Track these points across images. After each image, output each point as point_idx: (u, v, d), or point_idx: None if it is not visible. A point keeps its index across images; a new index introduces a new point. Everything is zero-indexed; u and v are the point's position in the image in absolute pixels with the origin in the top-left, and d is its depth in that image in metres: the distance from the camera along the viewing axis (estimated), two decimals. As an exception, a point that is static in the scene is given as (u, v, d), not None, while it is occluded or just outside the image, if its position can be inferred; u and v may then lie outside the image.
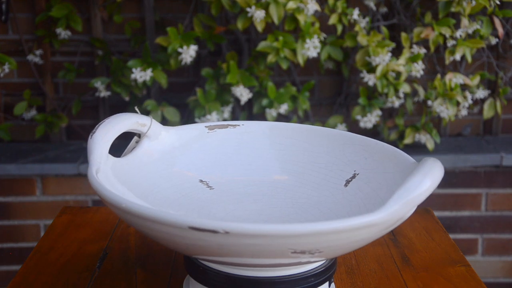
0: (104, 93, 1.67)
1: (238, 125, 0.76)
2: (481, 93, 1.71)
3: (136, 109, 0.72)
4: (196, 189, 0.72)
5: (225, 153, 0.77)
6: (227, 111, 1.60)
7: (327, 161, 0.74)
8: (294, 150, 0.76)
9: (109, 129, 0.64)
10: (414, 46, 1.61)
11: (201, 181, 0.73)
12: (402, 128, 1.70)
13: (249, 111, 1.75)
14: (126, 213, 0.53)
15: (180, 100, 1.77)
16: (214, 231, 0.49)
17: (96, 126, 0.65)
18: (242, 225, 0.49)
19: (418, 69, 1.59)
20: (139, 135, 0.71)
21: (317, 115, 1.84)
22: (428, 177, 0.57)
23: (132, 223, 0.55)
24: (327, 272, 0.63)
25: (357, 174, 0.71)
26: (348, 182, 0.71)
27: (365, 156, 0.72)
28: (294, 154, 0.76)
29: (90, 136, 0.64)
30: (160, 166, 0.73)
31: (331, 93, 1.85)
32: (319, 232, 0.49)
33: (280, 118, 1.71)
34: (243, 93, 1.55)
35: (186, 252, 0.55)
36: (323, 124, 1.76)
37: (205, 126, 0.75)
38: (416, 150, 1.72)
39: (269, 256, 0.52)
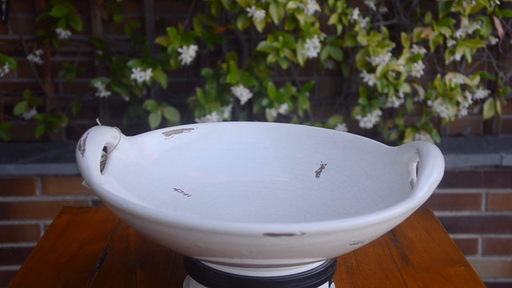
0: (104, 93, 1.67)
1: (193, 128, 0.76)
2: (481, 93, 1.71)
3: (98, 121, 0.70)
4: (175, 196, 0.72)
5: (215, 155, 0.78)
6: (227, 111, 1.60)
7: (290, 155, 0.77)
8: (258, 148, 0.78)
9: (96, 145, 0.64)
10: (414, 46, 1.61)
11: (175, 189, 0.72)
12: (402, 128, 1.70)
13: (249, 111, 1.75)
14: (182, 229, 0.51)
15: (180, 100, 1.77)
16: (290, 234, 0.49)
17: (81, 142, 0.63)
18: (318, 225, 0.50)
19: (418, 69, 1.59)
20: (105, 149, 0.69)
21: (317, 115, 1.84)
22: (437, 163, 0.62)
23: (173, 236, 0.52)
24: (327, 272, 0.63)
25: (325, 165, 0.74)
26: (318, 173, 0.74)
27: (328, 147, 0.75)
28: (258, 152, 0.78)
29: (81, 154, 0.61)
30: (159, 169, 0.73)
31: (331, 93, 1.85)
32: (376, 222, 0.52)
33: (280, 118, 1.71)
34: (243, 93, 1.55)
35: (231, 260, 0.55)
36: (323, 124, 1.76)
37: (162, 133, 0.74)
38: (416, 150, 1.71)
39: (329, 251, 0.54)
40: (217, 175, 0.76)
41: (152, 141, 0.73)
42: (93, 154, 0.62)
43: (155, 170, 0.72)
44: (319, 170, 0.74)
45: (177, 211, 0.69)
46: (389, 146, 0.72)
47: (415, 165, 0.69)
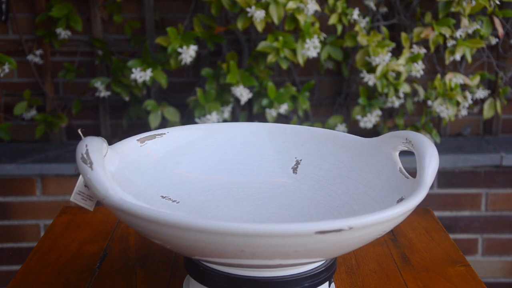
0: (104, 93, 1.67)
1: (164, 133, 0.74)
2: (481, 93, 1.71)
3: (80, 132, 0.67)
4: (175, 198, 0.72)
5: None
6: (227, 111, 1.60)
7: (265, 154, 0.78)
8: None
9: (100, 156, 0.62)
10: (414, 46, 1.61)
11: (162, 197, 0.72)
12: (402, 128, 1.70)
13: (249, 111, 1.75)
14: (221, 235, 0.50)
15: (180, 100, 1.77)
16: (339, 230, 0.51)
17: (84, 155, 0.59)
18: (363, 218, 0.52)
19: (418, 69, 1.59)
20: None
21: (317, 115, 1.84)
22: (433, 152, 0.66)
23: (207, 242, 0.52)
24: (327, 272, 0.63)
25: (301, 161, 0.76)
26: (295, 169, 0.76)
27: (300, 143, 0.77)
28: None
29: (89, 168, 0.58)
30: (162, 169, 0.73)
31: (331, 93, 1.85)
32: (408, 210, 0.55)
33: (280, 118, 1.71)
34: (243, 93, 1.55)
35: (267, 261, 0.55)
36: (323, 124, 1.76)
37: (137, 140, 0.72)
38: (416, 150, 1.71)
39: (361, 243, 0.56)
40: (217, 175, 0.76)
41: (132, 147, 0.72)
42: (101, 167, 0.59)
43: (155, 171, 0.72)
44: (295, 167, 0.76)
45: (177, 213, 0.69)
46: (366, 138, 0.75)
47: (397, 153, 0.72)
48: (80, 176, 0.66)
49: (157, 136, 0.73)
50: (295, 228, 0.50)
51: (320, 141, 0.77)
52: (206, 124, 0.78)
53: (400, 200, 0.67)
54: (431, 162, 0.65)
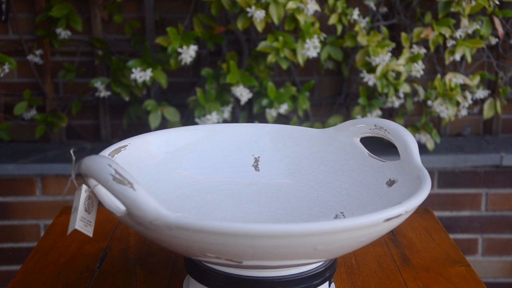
0: (104, 93, 1.67)
1: (127, 145, 0.70)
2: (481, 93, 1.71)
3: (72, 152, 0.62)
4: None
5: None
6: (227, 111, 1.60)
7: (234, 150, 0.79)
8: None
9: (129, 174, 0.57)
10: (414, 46, 1.61)
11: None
12: (402, 128, 1.70)
13: (249, 111, 1.75)
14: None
15: (180, 100, 1.77)
16: (398, 215, 0.55)
17: (117, 174, 0.53)
18: (414, 200, 0.56)
19: (418, 69, 1.59)
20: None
21: (317, 115, 1.84)
22: (412, 137, 0.71)
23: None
24: (327, 272, 0.63)
25: (259, 158, 0.77)
26: (255, 166, 0.77)
27: (254, 140, 0.79)
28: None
29: (131, 189, 0.52)
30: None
31: (331, 93, 1.85)
32: (425, 195, 0.58)
33: (280, 118, 1.71)
34: (243, 93, 1.55)
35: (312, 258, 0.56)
36: (323, 124, 1.76)
37: (108, 155, 0.68)
38: (416, 150, 1.71)
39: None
40: (219, 176, 0.76)
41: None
42: (140, 185, 0.54)
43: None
44: (256, 164, 0.77)
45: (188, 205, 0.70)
46: (321, 129, 0.77)
47: (359, 140, 0.75)
48: (81, 201, 0.59)
49: (121, 149, 0.69)
50: (366, 219, 0.52)
51: (273, 137, 0.78)
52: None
53: (391, 182, 0.68)
54: (414, 143, 0.69)
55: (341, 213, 0.70)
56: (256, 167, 0.77)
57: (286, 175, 0.76)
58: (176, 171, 0.74)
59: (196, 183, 0.74)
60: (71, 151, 0.61)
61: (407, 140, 0.70)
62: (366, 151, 0.74)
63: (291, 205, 0.73)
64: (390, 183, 0.69)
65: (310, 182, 0.75)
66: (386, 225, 0.54)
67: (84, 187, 0.60)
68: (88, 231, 0.58)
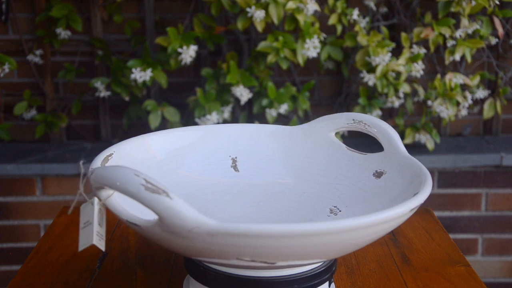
0: (104, 93, 1.67)
1: (112, 153, 0.68)
2: (481, 93, 1.71)
3: (81, 164, 0.61)
4: None
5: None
6: (227, 111, 1.60)
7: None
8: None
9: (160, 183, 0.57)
10: (414, 46, 1.61)
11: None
12: (402, 128, 1.70)
13: (249, 111, 1.75)
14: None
15: (180, 100, 1.77)
16: (413, 209, 0.57)
17: (149, 184, 0.50)
18: (426, 191, 0.59)
19: (418, 69, 1.59)
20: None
21: (317, 115, 1.84)
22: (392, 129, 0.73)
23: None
24: (327, 272, 0.63)
25: (236, 158, 0.78)
26: (234, 164, 0.78)
27: (233, 140, 0.79)
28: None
29: (168, 198, 0.50)
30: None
31: (331, 93, 1.85)
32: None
33: (280, 118, 1.71)
34: (243, 93, 1.55)
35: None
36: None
37: (100, 164, 0.66)
38: (416, 150, 1.72)
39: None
40: (220, 176, 0.76)
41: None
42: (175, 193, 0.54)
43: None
44: (234, 164, 0.77)
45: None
46: (294, 126, 0.79)
47: (334, 133, 0.76)
48: (95, 214, 0.57)
49: (108, 158, 0.67)
50: (394, 211, 0.54)
51: (252, 136, 0.79)
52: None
53: (378, 173, 0.70)
54: (397, 135, 0.71)
55: (335, 207, 0.71)
56: (235, 167, 0.77)
57: (265, 174, 0.76)
58: (177, 171, 0.74)
59: (197, 183, 0.74)
60: (80, 163, 0.60)
61: (389, 133, 0.71)
62: (344, 145, 0.75)
63: (281, 204, 0.73)
64: (378, 174, 0.70)
65: (297, 180, 0.75)
66: (410, 214, 0.57)
67: (96, 200, 0.57)
68: (102, 246, 0.56)
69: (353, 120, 0.74)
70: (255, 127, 0.79)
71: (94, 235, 0.55)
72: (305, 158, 0.76)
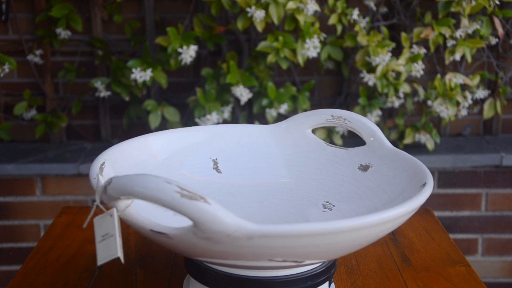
0: (104, 93, 1.67)
1: (104, 161, 0.66)
2: (481, 93, 1.71)
3: (96, 176, 0.57)
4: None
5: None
6: (227, 111, 1.60)
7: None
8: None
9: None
10: (414, 46, 1.61)
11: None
12: (402, 128, 1.70)
13: (249, 111, 1.75)
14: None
15: (180, 100, 1.77)
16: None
17: (186, 192, 0.49)
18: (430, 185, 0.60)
19: (418, 69, 1.59)
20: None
21: (317, 115, 1.84)
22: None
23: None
24: (327, 272, 0.63)
25: (217, 160, 0.77)
26: (215, 165, 0.77)
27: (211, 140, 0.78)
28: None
29: (206, 203, 0.49)
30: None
31: (331, 93, 1.85)
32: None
33: (280, 118, 1.71)
34: (243, 93, 1.55)
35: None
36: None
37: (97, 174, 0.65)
38: (416, 150, 1.72)
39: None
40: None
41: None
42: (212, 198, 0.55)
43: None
44: (215, 167, 0.76)
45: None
46: (271, 124, 0.79)
47: (310, 130, 0.76)
48: (117, 226, 0.55)
49: (103, 166, 0.65)
50: (415, 202, 0.56)
51: (232, 136, 0.78)
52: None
53: (364, 167, 0.71)
54: (378, 129, 0.71)
55: (327, 202, 0.72)
56: (217, 169, 0.76)
57: (251, 174, 0.76)
58: (178, 172, 0.74)
59: (199, 183, 0.74)
60: (97, 175, 0.55)
61: (371, 127, 0.72)
62: (323, 141, 0.76)
63: (271, 202, 0.73)
64: (364, 168, 0.71)
65: (285, 178, 0.76)
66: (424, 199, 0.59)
67: (115, 211, 0.55)
68: (122, 257, 0.55)
69: (332, 116, 0.74)
70: (239, 127, 0.79)
71: (118, 247, 0.54)
72: (287, 156, 0.76)
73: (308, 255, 0.53)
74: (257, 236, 0.49)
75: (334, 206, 0.70)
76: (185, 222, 0.58)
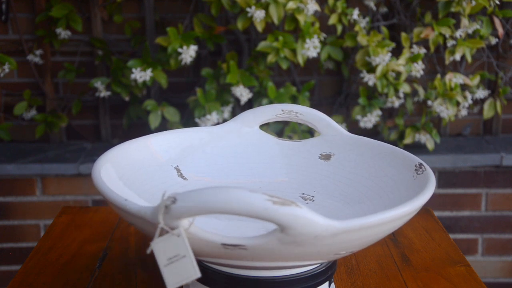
0: (104, 93, 1.67)
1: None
2: (481, 93, 1.71)
3: (164, 195, 0.51)
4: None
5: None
6: (227, 111, 1.60)
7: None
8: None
9: None
10: (414, 46, 1.61)
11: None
12: (402, 128, 1.70)
13: (249, 111, 1.75)
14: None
15: (180, 100, 1.77)
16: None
17: (276, 198, 0.48)
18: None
19: (418, 69, 1.59)
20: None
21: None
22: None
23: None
24: (327, 272, 0.63)
25: (179, 166, 0.76)
26: (180, 173, 0.76)
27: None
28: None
29: (296, 207, 0.48)
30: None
31: (331, 93, 1.85)
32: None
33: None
34: (243, 93, 1.55)
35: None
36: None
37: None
38: (416, 150, 1.72)
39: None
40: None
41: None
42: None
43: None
44: (180, 173, 0.76)
45: None
46: (222, 124, 0.78)
47: (258, 127, 0.76)
48: (188, 245, 0.51)
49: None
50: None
51: (205, 137, 0.77)
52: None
53: (326, 156, 0.72)
54: (332, 120, 0.72)
55: (303, 194, 0.72)
56: (181, 175, 0.75)
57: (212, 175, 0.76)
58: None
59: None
60: (164, 194, 0.50)
61: (324, 118, 0.72)
62: (274, 136, 0.76)
63: None
64: (326, 157, 0.71)
65: (246, 178, 0.76)
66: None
67: (182, 230, 0.51)
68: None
69: (282, 110, 0.74)
70: (193, 130, 0.77)
71: (195, 267, 0.50)
72: (243, 154, 0.76)
73: (360, 245, 0.55)
74: (341, 232, 0.50)
75: (314, 197, 0.71)
76: (235, 226, 0.63)
